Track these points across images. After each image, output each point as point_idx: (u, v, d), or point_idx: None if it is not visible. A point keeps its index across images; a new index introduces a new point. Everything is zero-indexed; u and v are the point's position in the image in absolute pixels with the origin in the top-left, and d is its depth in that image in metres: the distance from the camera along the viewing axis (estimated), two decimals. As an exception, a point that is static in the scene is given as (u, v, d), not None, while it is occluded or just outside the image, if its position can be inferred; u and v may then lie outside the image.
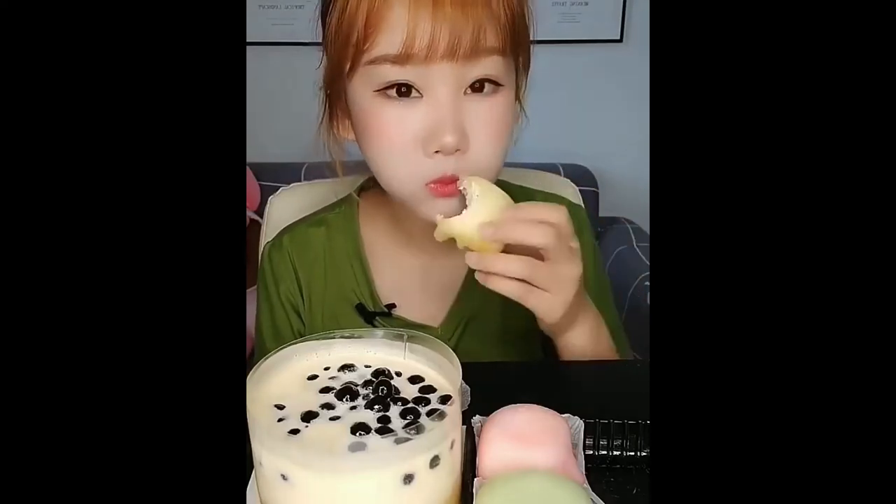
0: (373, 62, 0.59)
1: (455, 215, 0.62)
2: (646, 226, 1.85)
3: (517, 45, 0.62)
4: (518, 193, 0.78)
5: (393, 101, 0.60)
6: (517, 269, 0.57)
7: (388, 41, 0.58)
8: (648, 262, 1.64)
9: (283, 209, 0.92)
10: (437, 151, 0.59)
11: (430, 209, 0.63)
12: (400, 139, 0.61)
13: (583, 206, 0.88)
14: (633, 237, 1.76)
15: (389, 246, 0.76)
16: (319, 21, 0.66)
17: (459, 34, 0.57)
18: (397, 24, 0.57)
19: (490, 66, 0.60)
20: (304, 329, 0.77)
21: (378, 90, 0.60)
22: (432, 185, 0.61)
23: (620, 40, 1.89)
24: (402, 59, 0.58)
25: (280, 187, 0.97)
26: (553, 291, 0.59)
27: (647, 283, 1.56)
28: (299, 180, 1.16)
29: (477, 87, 0.60)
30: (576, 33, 1.87)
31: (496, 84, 0.61)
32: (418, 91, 0.60)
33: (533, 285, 0.58)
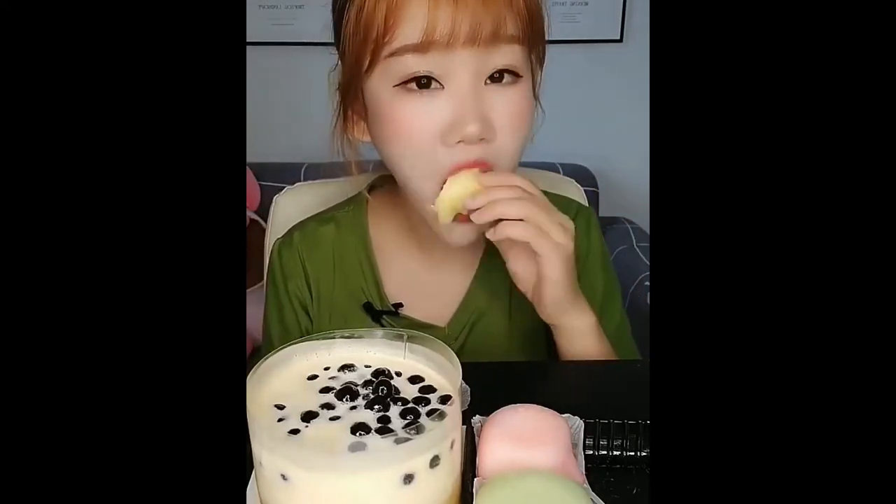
0: (393, 54, 0.59)
1: (469, 241, 0.65)
2: (646, 226, 1.84)
3: (534, 37, 0.62)
4: None
5: (413, 94, 0.60)
6: (517, 208, 0.60)
7: (409, 31, 0.58)
8: (648, 262, 1.64)
9: (289, 208, 0.92)
10: (459, 142, 0.60)
11: (446, 228, 0.64)
12: (420, 132, 0.60)
13: (589, 206, 0.88)
14: (633, 237, 1.75)
15: (398, 245, 0.76)
16: (333, 23, 0.66)
17: (480, 20, 0.57)
18: (418, 13, 0.57)
19: (509, 54, 0.60)
20: (312, 327, 0.77)
21: (398, 84, 0.60)
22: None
23: (620, 40, 1.89)
24: (423, 47, 0.58)
25: (280, 187, 0.97)
26: (546, 261, 0.61)
27: (647, 283, 1.56)
28: (299, 180, 1.16)
29: (496, 77, 0.60)
30: (576, 33, 1.87)
31: (515, 75, 0.61)
32: (439, 82, 0.59)
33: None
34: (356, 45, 0.61)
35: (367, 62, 0.61)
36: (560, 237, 0.61)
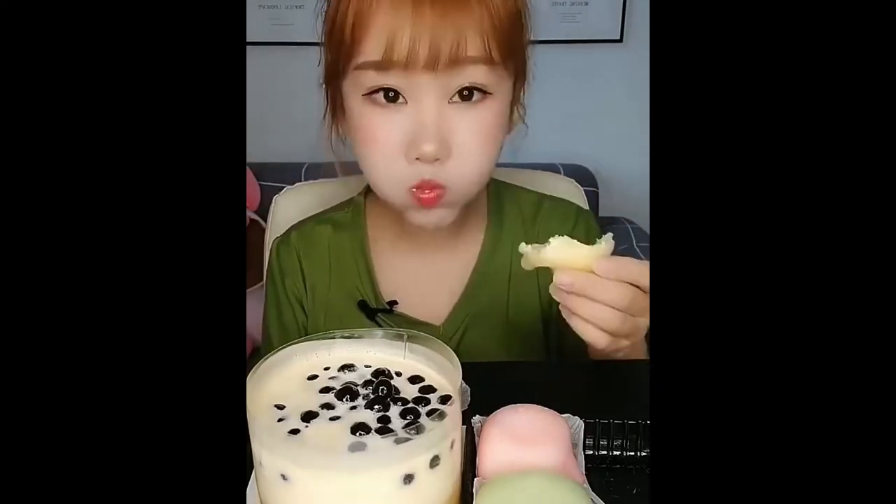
0: (359, 67, 0.60)
1: (440, 225, 0.64)
2: (646, 226, 1.84)
3: (508, 52, 0.61)
4: (524, 201, 0.78)
5: (380, 105, 0.61)
6: (605, 319, 0.53)
7: (372, 47, 0.58)
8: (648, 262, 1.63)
9: (289, 208, 0.92)
10: (417, 158, 0.60)
11: (416, 217, 0.65)
12: (385, 144, 0.61)
13: (589, 210, 0.87)
14: (633, 237, 1.75)
15: (394, 246, 0.77)
16: (321, 19, 0.66)
17: (439, 43, 0.56)
18: (381, 30, 0.58)
19: (474, 73, 0.59)
20: (308, 322, 0.78)
21: (366, 94, 0.61)
22: (415, 191, 0.62)
23: (620, 40, 1.89)
24: (384, 65, 0.58)
25: (280, 187, 0.97)
26: (630, 339, 0.56)
27: (647, 283, 1.56)
28: (300, 180, 1.16)
29: (465, 94, 0.60)
30: (576, 33, 1.87)
31: (484, 92, 0.61)
32: (404, 97, 0.60)
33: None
34: (332, 49, 0.62)
35: (340, 68, 0.62)
36: (641, 333, 0.56)
